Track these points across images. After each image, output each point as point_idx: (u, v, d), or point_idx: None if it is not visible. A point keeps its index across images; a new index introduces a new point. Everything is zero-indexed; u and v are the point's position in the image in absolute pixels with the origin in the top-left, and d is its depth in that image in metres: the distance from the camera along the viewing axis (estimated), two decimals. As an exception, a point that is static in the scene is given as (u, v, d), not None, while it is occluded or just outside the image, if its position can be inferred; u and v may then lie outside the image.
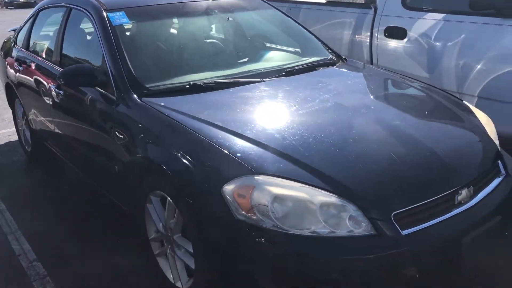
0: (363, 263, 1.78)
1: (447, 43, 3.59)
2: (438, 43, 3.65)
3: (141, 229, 2.55)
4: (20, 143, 4.61)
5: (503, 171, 2.26)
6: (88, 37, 3.11)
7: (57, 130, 3.41)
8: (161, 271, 2.46)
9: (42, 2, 4.01)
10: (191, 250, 2.15)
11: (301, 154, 1.96)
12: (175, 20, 3.21)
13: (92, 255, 2.82)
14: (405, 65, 3.92)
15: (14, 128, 4.79)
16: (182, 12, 3.19)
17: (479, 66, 3.41)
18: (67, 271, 2.68)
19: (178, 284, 2.33)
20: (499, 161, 2.28)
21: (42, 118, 3.66)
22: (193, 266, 2.18)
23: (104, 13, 2.90)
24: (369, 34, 4.18)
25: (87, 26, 3.11)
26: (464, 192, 1.98)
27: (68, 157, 3.47)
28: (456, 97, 2.81)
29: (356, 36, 4.32)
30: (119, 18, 2.91)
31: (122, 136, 2.48)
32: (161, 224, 2.37)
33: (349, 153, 2.00)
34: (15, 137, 4.84)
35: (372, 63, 4.22)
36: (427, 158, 2.03)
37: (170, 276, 2.39)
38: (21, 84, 3.98)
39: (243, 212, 1.85)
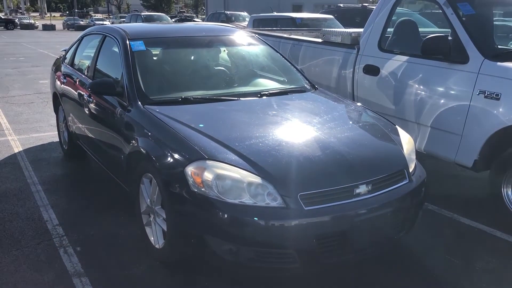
0: (274, 226, 2.51)
1: (408, 80, 4.29)
2: (401, 80, 4.36)
3: (135, 205, 3.36)
4: (60, 143, 5.59)
5: (407, 178, 2.94)
6: (115, 58, 4.01)
7: (86, 131, 4.32)
8: (147, 237, 3.25)
9: (86, 30, 5.05)
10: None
11: (243, 149, 2.74)
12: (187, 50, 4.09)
13: (100, 224, 3.67)
14: (377, 98, 4.63)
15: (57, 132, 5.80)
16: (189, 43, 4.07)
17: (430, 101, 4.09)
18: (79, 233, 3.52)
19: (157, 246, 3.11)
20: (405, 170, 2.96)
21: (76, 121, 4.60)
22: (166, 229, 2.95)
23: (127, 41, 3.81)
24: (352, 70, 4.94)
25: (115, 50, 4.03)
26: (362, 187, 2.69)
27: (93, 151, 4.35)
28: (391, 122, 3.50)
29: (342, 71, 5.07)
30: (138, 45, 3.81)
31: (127, 132, 3.33)
32: (148, 199, 3.17)
33: (279, 152, 2.76)
34: (56, 139, 5.84)
35: (353, 96, 4.96)
36: (337, 160, 2.76)
37: (152, 239, 3.17)
38: (64, 93, 4.97)
39: (197, 185, 2.63)
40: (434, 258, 3.24)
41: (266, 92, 3.70)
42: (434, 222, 3.76)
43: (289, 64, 4.34)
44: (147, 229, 3.25)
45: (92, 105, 4.04)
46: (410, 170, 3.02)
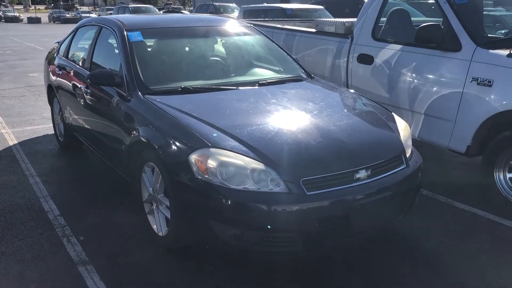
0: (278, 210, 2.58)
1: (402, 69, 4.37)
2: (395, 69, 4.43)
3: (137, 194, 3.40)
4: (55, 135, 5.59)
5: (404, 163, 3.02)
6: (112, 49, 4.03)
7: (83, 122, 4.33)
8: (150, 225, 3.29)
9: (81, 21, 5.04)
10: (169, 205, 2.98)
11: (245, 136, 2.80)
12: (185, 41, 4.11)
13: (101, 213, 3.70)
14: (371, 87, 4.71)
15: (51, 124, 5.79)
16: (185, 34, 4.10)
17: (424, 89, 4.17)
18: (81, 223, 3.56)
19: (160, 233, 3.16)
20: (402, 156, 3.04)
21: (73, 113, 4.61)
22: (169, 217, 3.00)
23: (125, 32, 3.82)
24: (346, 59, 5.00)
25: (112, 41, 4.04)
26: (362, 172, 2.76)
27: (90, 142, 4.36)
28: (387, 109, 3.57)
29: (336, 61, 5.13)
30: (136, 36, 3.83)
31: (128, 123, 3.36)
32: (151, 188, 3.21)
33: (280, 139, 2.81)
34: (51, 131, 5.85)
35: (347, 84, 5.03)
36: (337, 146, 2.83)
37: (154, 227, 3.21)
38: (59, 85, 4.96)
39: (201, 173, 2.68)
40: (430, 240, 3.33)
41: (264, 81, 3.75)
42: (429, 206, 3.86)
43: (285, 53, 4.39)
44: (150, 218, 3.30)
45: (89, 96, 4.05)
46: (407, 155, 3.10)
